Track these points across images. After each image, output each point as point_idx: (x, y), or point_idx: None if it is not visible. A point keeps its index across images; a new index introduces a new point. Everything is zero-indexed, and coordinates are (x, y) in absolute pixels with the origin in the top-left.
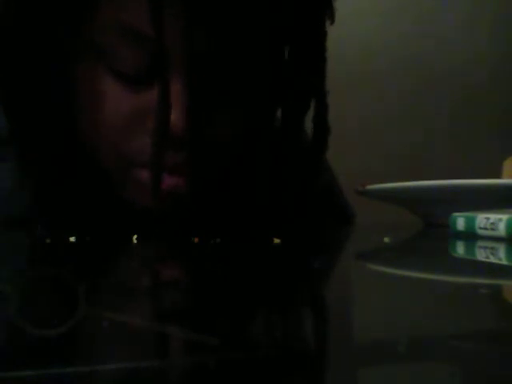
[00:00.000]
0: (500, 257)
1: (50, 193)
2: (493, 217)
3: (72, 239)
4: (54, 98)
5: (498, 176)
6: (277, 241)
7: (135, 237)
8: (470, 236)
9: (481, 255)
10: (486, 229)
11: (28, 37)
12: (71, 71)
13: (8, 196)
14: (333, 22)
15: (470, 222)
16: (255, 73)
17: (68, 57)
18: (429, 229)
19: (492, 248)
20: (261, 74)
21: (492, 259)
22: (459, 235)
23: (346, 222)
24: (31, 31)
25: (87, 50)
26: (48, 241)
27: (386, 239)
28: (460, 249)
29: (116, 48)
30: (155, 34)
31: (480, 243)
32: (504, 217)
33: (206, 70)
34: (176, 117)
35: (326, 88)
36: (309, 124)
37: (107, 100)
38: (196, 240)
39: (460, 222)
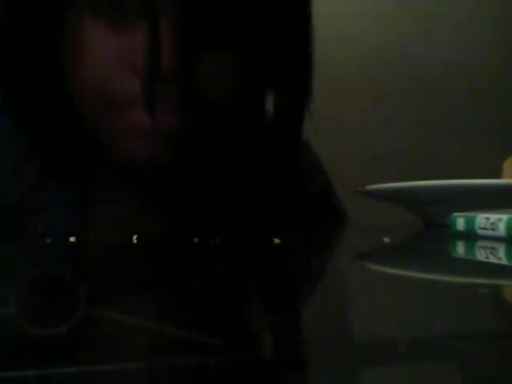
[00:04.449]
0: (500, 257)
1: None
2: (493, 217)
3: (72, 239)
4: (42, 47)
5: (498, 176)
6: (277, 241)
7: (135, 237)
8: (470, 236)
9: (481, 255)
10: (485, 229)
11: None
12: (58, 17)
13: (3, 184)
14: None
15: (470, 222)
16: (245, 15)
17: (55, 3)
18: (429, 229)
19: (492, 248)
20: (250, 17)
21: (492, 259)
22: (459, 235)
23: (338, 222)
24: None
25: None
26: (48, 241)
27: (386, 239)
28: (460, 249)
29: None
30: None
31: (480, 243)
32: (504, 217)
33: (194, 8)
34: (165, 54)
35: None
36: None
37: (94, 41)
38: (196, 240)
39: (460, 222)
